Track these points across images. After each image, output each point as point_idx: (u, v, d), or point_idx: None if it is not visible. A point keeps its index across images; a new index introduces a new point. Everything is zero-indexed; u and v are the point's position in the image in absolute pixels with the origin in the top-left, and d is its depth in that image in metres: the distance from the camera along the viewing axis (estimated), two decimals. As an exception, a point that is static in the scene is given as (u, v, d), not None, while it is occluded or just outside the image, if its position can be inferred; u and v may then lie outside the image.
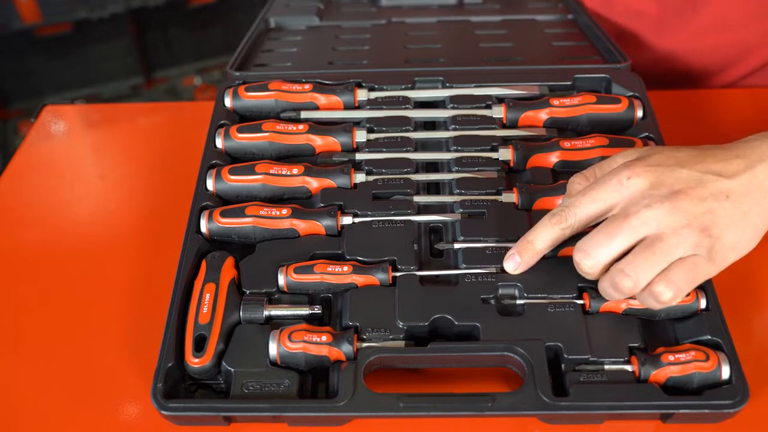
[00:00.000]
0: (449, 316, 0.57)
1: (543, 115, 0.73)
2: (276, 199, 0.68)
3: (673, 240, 0.52)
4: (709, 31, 0.90)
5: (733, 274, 0.65)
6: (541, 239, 0.57)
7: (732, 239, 0.53)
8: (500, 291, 0.59)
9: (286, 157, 0.72)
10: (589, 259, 0.54)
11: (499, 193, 0.66)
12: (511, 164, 0.69)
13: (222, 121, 0.74)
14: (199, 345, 0.56)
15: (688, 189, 0.53)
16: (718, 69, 0.94)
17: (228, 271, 0.61)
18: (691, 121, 0.83)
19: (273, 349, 0.55)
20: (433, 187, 0.70)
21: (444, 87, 0.78)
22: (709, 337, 0.56)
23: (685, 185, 0.53)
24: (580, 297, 0.58)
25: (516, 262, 0.58)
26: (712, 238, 0.52)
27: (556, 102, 0.73)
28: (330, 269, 0.60)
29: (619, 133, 0.72)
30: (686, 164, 0.55)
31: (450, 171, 0.69)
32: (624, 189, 0.54)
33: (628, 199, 0.54)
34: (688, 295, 0.57)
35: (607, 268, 0.54)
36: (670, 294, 0.52)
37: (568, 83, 0.77)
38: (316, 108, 0.76)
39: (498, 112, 0.73)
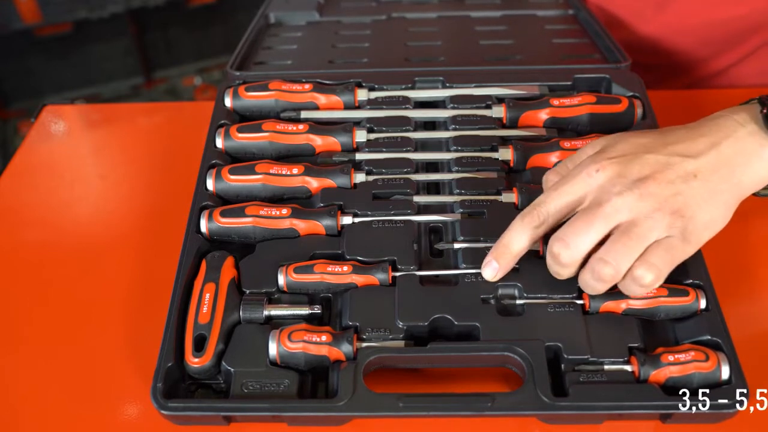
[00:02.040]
0: (449, 316, 0.57)
1: (543, 115, 0.73)
2: (276, 198, 0.68)
3: (648, 224, 0.52)
4: (717, 2, 0.89)
5: (733, 274, 0.65)
6: (516, 241, 0.56)
7: (704, 218, 0.53)
8: (500, 291, 0.59)
9: (286, 156, 0.72)
10: (568, 249, 0.53)
11: (499, 193, 0.66)
12: (511, 164, 0.69)
13: (222, 121, 0.74)
14: (199, 345, 0.56)
15: (656, 173, 0.53)
16: (722, 47, 0.93)
17: (228, 270, 0.61)
18: (691, 121, 0.83)
19: (273, 349, 0.55)
20: (433, 187, 0.70)
21: (444, 87, 0.78)
22: (709, 337, 0.55)
23: (652, 170, 0.53)
24: (579, 297, 0.58)
25: (494, 268, 0.57)
26: (684, 218, 0.52)
27: (556, 102, 0.73)
28: (330, 269, 0.60)
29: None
30: (651, 149, 0.55)
31: (450, 171, 0.69)
32: (593, 181, 0.54)
33: (598, 189, 0.54)
34: (687, 294, 0.57)
35: (584, 261, 0.54)
36: (651, 276, 0.52)
37: (568, 83, 0.77)
38: (316, 108, 0.76)
39: (498, 112, 0.73)
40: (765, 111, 0.56)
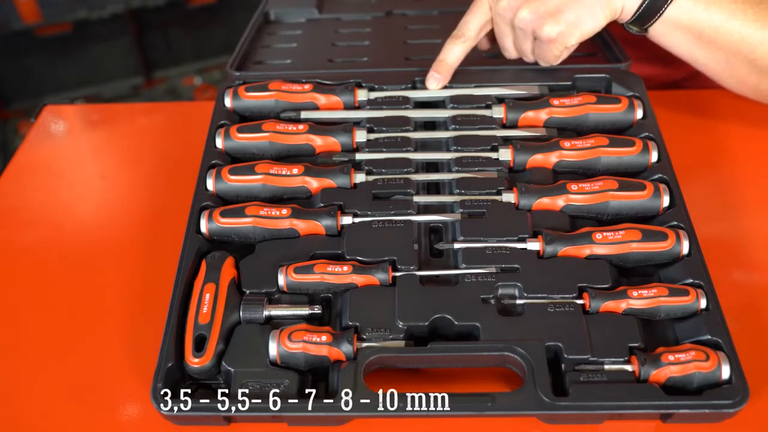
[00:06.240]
0: (449, 316, 0.57)
1: (543, 115, 0.73)
2: (276, 199, 0.68)
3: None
4: None
5: (733, 274, 0.65)
6: (450, 56, 0.75)
7: (570, 17, 0.68)
8: (500, 291, 0.59)
9: (286, 157, 0.72)
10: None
11: (499, 193, 0.66)
12: (511, 164, 0.69)
13: (222, 121, 0.74)
14: (199, 345, 0.56)
15: None
16: None
17: (228, 271, 0.61)
18: (691, 121, 0.83)
19: (273, 349, 0.55)
20: (433, 187, 0.70)
21: (444, 87, 0.77)
22: (709, 337, 0.55)
23: None
24: (580, 297, 0.58)
25: (437, 78, 0.75)
26: (554, 16, 0.68)
27: (556, 102, 0.73)
28: (330, 269, 0.60)
29: (619, 133, 0.72)
30: None
31: (450, 171, 0.69)
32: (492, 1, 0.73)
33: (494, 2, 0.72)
34: (687, 294, 0.57)
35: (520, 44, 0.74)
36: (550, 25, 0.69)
37: (569, 83, 0.77)
38: (316, 108, 0.76)
39: (498, 112, 0.73)
40: None
